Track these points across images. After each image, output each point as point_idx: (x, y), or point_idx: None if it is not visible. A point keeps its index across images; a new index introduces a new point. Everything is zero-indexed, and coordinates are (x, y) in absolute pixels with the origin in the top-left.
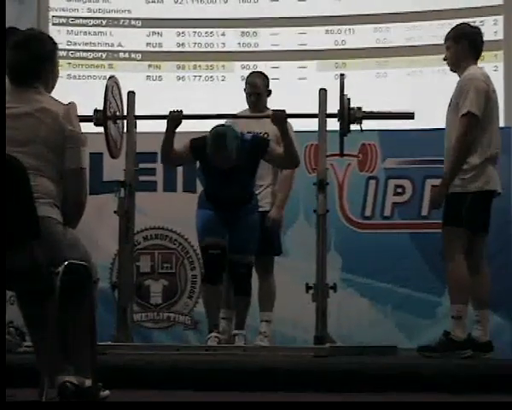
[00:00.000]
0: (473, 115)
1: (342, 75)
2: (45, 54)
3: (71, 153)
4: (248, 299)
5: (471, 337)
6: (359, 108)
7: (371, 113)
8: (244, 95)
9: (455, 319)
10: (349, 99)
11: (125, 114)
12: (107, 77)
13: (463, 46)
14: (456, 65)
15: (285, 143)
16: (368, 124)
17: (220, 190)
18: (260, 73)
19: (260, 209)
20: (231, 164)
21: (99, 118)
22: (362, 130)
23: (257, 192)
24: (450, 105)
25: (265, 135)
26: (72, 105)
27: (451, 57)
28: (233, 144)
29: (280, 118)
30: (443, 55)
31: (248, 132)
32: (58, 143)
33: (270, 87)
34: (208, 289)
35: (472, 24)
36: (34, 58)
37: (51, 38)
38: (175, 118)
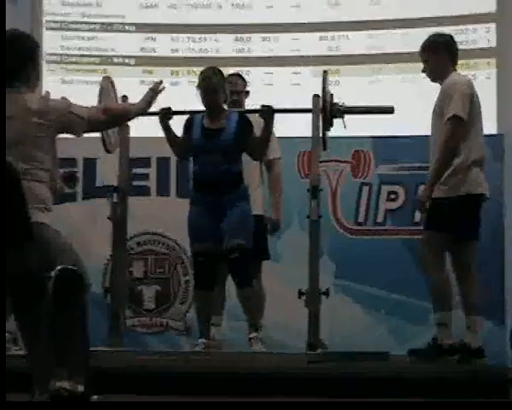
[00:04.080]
0: (458, 118)
1: (325, 72)
2: (27, 53)
3: (72, 120)
4: (250, 292)
5: (463, 343)
6: (341, 104)
7: (352, 107)
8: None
9: (439, 326)
10: (332, 95)
11: None
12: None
13: (442, 56)
14: (438, 75)
15: (264, 136)
16: (361, 130)
17: (208, 167)
18: (238, 74)
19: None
20: (218, 99)
21: None
22: (345, 126)
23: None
24: (434, 111)
25: None
26: (46, 94)
27: (432, 68)
28: (219, 81)
29: (267, 112)
30: None
31: None
32: (47, 138)
33: (263, 92)
34: (199, 295)
35: (445, 32)
36: (17, 58)
37: (33, 38)
38: (164, 114)
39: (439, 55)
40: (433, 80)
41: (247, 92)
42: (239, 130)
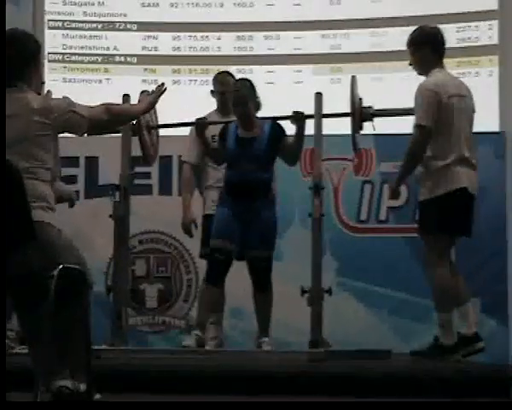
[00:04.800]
0: (421, 127)
1: (354, 77)
2: (29, 53)
3: (73, 119)
4: (269, 296)
5: (460, 335)
6: (370, 107)
7: (381, 110)
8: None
9: (441, 327)
10: (361, 99)
11: (158, 123)
12: (103, 81)
13: (426, 51)
14: (422, 69)
15: (297, 141)
16: (363, 128)
17: (241, 174)
18: (227, 72)
19: None
20: (251, 113)
21: (134, 129)
22: (374, 129)
23: None
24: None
25: None
26: (47, 92)
27: (416, 63)
28: (249, 92)
29: (299, 118)
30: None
31: None
32: (49, 136)
33: (266, 91)
34: (209, 289)
35: (431, 25)
36: (18, 58)
37: (35, 38)
38: (200, 124)
39: (423, 50)
40: (419, 74)
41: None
42: (271, 138)
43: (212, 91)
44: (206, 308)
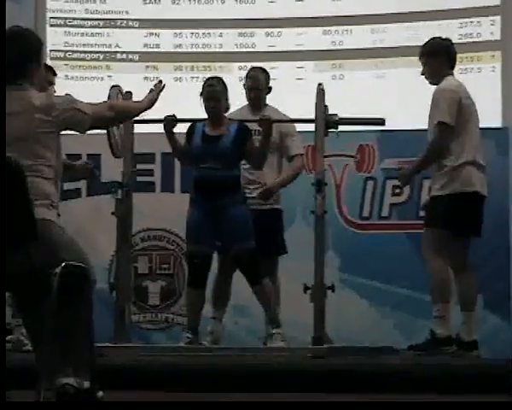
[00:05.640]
0: (444, 124)
1: (320, 85)
2: (31, 51)
3: (76, 116)
4: (263, 287)
5: (458, 337)
6: (335, 115)
7: (345, 119)
8: (242, 93)
9: (437, 319)
10: (326, 106)
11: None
12: (106, 80)
13: (439, 61)
14: (435, 78)
15: (262, 145)
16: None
17: (207, 172)
18: (262, 68)
19: (264, 207)
20: (221, 110)
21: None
22: (338, 135)
23: (260, 189)
24: (429, 115)
25: None
26: (50, 91)
27: (429, 72)
28: (222, 90)
29: (265, 122)
30: None
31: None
32: (51, 134)
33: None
34: (191, 292)
35: (444, 37)
36: (20, 55)
37: (36, 35)
38: (169, 122)
39: (437, 60)
40: (431, 83)
41: (270, 88)
42: (238, 137)
43: (244, 86)
44: (188, 310)
